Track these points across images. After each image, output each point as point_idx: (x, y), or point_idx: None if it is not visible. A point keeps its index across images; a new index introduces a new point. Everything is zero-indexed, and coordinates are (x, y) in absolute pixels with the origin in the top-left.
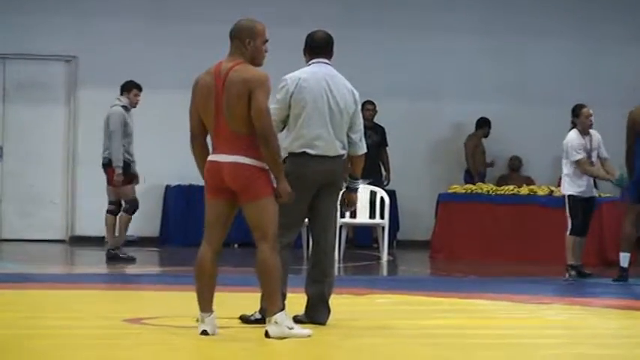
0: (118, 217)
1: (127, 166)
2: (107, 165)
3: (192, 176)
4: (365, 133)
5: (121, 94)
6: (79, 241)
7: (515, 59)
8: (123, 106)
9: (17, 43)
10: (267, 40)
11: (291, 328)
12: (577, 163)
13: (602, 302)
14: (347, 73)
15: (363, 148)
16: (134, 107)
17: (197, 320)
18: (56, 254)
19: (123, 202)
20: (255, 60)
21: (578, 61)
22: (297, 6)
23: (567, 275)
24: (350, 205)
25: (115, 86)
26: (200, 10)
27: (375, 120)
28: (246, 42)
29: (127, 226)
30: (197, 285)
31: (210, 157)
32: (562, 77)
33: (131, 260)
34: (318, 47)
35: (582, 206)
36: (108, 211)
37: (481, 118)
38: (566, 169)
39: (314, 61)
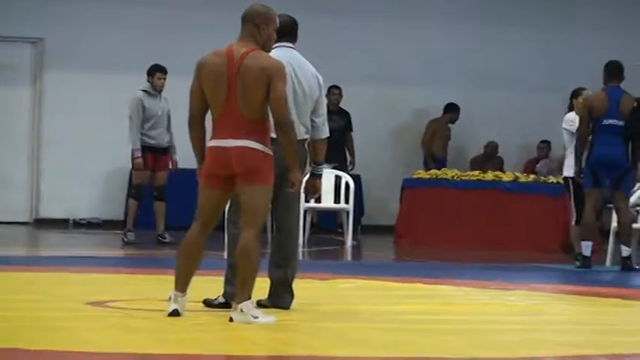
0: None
1: (150, 149)
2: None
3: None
4: (330, 118)
5: (147, 79)
6: (44, 224)
7: (480, 45)
8: (144, 90)
9: None
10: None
11: (255, 317)
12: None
13: (566, 289)
14: (312, 59)
15: (326, 132)
16: (159, 91)
17: (169, 298)
18: (20, 236)
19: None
20: (266, 47)
21: (543, 48)
22: None
23: (578, 263)
24: (314, 191)
25: (81, 68)
26: None
27: (341, 105)
28: (261, 28)
29: (160, 212)
30: (179, 263)
31: (215, 143)
32: (526, 64)
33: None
34: (283, 31)
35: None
36: (129, 195)
37: (449, 103)
38: (569, 151)
39: (278, 45)
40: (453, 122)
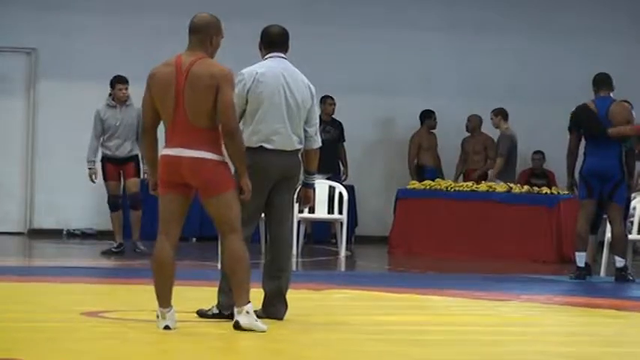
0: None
1: (109, 160)
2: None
3: None
4: (324, 129)
5: (110, 91)
6: (38, 234)
7: (474, 56)
8: (107, 104)
9: None
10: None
11: (256, 320)
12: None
13: (560, 300)
14: (306, 69)
15: (318, 142)
16: (123, 101)
17: (157, 317)
18: (14, 247)
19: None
20: (213, 55)
21: (536, 59)
22: (257, 1)
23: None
24: (306, 201)
25: (75, 78)
26: (162, 4)
27: (334, 116)
28: (214, 38)
29: (133, 221)
30: (156, 280)
31: (167, 152)
32: (520, 75)
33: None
34: (275, 42)
35: None
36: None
37: (423, 111)
38: None
39: (270, 55)
40: (432, 128)
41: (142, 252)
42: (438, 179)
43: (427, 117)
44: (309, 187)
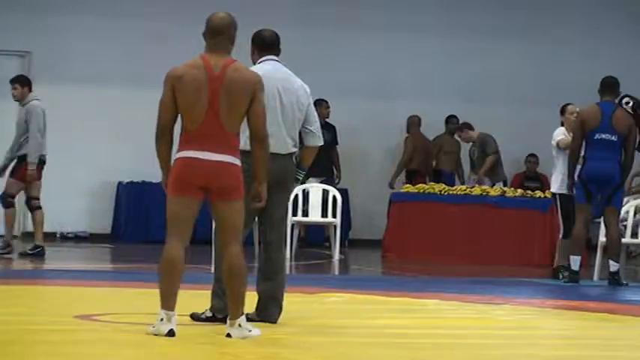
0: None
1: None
2: (23, 160)
3: (145, 173)
4: None
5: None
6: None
7: (469, 59)
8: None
9: None
10: None
11: (250, 331)
12: (560, 142)
13: (554, 303)
14: (301, 72)
15: (321, 140)
16: (18, 101)
17: (161, 319)
18: None
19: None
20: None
21: (531, 62)
22: (249, 5)
23: (561, 277)
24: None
25: (69, 81)
26: (154, 6)
27: (328, 119)
28: (233, 39)
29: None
30: (166, 282)
31: (190, 154)
32: (515, 77)
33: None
34: (269, 45)
35: (572, 205)
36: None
37: (448, 115)
38: (558, 166)
39: (265, 58)
40: (452, 133)
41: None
42: (431, 183)
43: (448, 122)
44: (295, 180)
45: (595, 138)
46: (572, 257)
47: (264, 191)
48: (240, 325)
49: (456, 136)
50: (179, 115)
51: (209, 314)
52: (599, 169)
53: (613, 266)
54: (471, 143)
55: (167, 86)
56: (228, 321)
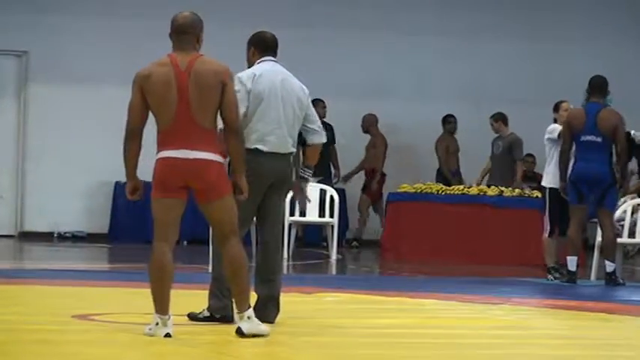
0: None
1: None
2: None
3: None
4: None
5: None
6: (28, 237)
7: (468, 59)
8: None
9: None
10: None
11: (258, 324)
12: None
13: (551, 303)
14: (298, 72)
15: (324, 137)
16: None
17: (157, 324)
18: (4, 250)
19: None
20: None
21: (529, 61)
22: (248, 5)
23: (550, 277)
24: (300, 195)
25: (66, 81)
26: (152, 6)
27: (325, 119)
28: (199, 36)
29: None
30: (157, 286)
31: (168, 154)
32: (513, 77)
33: None
34: (269, 46)
35: (563, 202)
36: None
37: (445, 115)
38: (550, 162)
39: (264, 59)
40: (453, 132)
41: None
42: (429, 182)
43: (446, 122)
44: (303, 180)
45: (581, 140)
46: (568, 258)
47: (244, 183)
48: (249, 318)
49: (490, 123)
50: (151, 118)
51: (207, 314)
52: (586, 169)
53: (609, 267)
54: (496, 135)
55: (135, 88)
56: (236, 315)
